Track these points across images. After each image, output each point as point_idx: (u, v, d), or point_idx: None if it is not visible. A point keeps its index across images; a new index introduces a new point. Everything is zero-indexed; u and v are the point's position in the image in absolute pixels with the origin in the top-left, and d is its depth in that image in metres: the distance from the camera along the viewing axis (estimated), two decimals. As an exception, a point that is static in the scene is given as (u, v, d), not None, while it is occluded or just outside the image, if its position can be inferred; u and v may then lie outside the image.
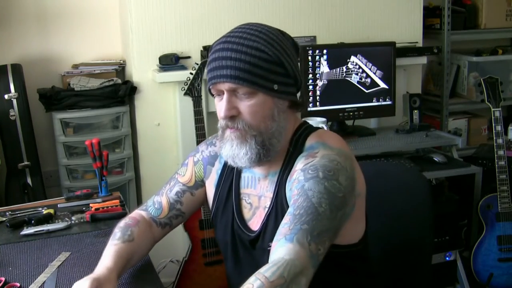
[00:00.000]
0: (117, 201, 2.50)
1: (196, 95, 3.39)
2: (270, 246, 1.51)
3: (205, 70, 1.71)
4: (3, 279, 1.82)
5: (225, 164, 1.80)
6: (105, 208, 2.43)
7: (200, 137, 3.38)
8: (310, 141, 1.68)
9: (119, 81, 3.71)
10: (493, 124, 3.52)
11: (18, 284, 1.80)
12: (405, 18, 4.13)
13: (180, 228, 3.54)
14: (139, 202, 3.82)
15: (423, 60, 4.14)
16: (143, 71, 3.67)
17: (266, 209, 1.70)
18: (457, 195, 3.67)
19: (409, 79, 4.25)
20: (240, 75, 1.57)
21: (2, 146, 3.55)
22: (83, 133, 3.62)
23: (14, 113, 3.44)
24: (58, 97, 3.53)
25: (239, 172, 1.80)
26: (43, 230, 2.21)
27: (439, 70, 4.39)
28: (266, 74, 1.58)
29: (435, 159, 3.63)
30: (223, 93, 1.63)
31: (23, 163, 3.51)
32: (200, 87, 3.40)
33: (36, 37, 3.82)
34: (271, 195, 1.70)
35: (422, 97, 4.07)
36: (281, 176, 1.69)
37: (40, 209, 2.44)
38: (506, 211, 3.51)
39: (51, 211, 2.39)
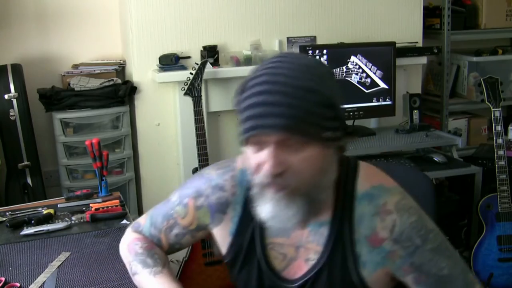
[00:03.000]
0: (117, 201, 2.50)
1: (196, 95, 3.39)
2: None
3: (241, 116, 1.36)
4: (3, 279, 1.82)
5: (244, 211, 1.55)
6: (105, 208, 2.43)
7: (200, 137, 3.38)
8: (363, 187, 1.46)
9: (119, 81, 3.71)
10: (493, 124, 3.52)
11: (18, 284, 1.80)
12: (405, 18, 4.13)
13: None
14: (139, 202, 3.82)
15: (423, 60, 4.14)
16: (143, 71, 3.67)
17: (310, 261, 1.49)
18: (457, 195, 3.67)
19: (409, 79, 4.25)
20: (293, 124, 1.28)
21: (2, 146, 3.55)
22: (83, 133, 3.62)
23: (14, 113, 3.44)
24: (58, 97, 3.53)
25: (263, 224, 1.50)
26: (43, 230, 2.21)
27: (439, 70, 4.39)
28: (319, 121, 1.32)
29: (435, 159, 3.63)
30: (265, 145, 1.33)
31: (23, 163, 3.51)
32: (200, 87, 3.40)
33: (36, 37, 3.82)
34: (320, 249, 1.47)
35: (422, 97, 4.07)
36: (336, 229, 1.46)
37: (40, 209, 2.44)
38: (506, 211, 3.51)
39: (51, 211, 2.39)
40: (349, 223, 1.44)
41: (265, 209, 1.40)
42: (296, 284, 1.51)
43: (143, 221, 1.73)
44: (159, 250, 1.67)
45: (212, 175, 1.64)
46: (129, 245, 1.69)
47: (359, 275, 1.44)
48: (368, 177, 1.49)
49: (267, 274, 1.54)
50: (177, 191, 1.69)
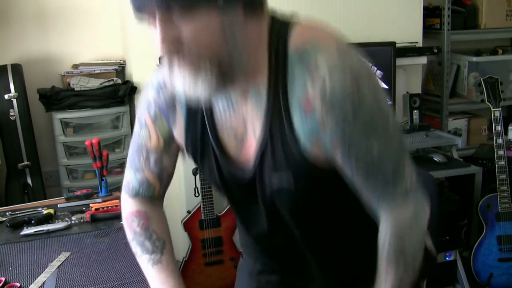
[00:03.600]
0: (117, 201, 2.49)
1: (196, 95, 3.39)
2: (271, 186, 1.37)
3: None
4: (3, 279, 1.83)
5: (187, 101, 1.44)
6: (105, 208, 2.44)
7: (200, 137, 3.38)
8: (295, 44, 1.30)
9: (119, 81, 3.71)
10: (493, 124, 3.52)
11: (18, 284, 1.80)
12: (405, 18, 4.12)
13: (180, 228, 3.54)
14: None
15: (423, 60, 4.13)
16: (143, 71, 3.67)
17: (257, 136, 1.35)
18: (457, 195, 3.67)
19: (409, 79, 4.25)
20: None
21: (2, 146, 3.55)
22: (83, 133, 3.62)
23: (14, 113, 3.45)
24: (58, 97, 3.53)
25: (208, 104, 1.41)
26: (43, 230, 2.22)
27: (439, 70, 4.38)
28: None
29: (435, 159, 3.63)
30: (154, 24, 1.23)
31: (23, 163, 3.51)
32: (200, 87, 3.40)
33: (36, 37, 3.82)
34: (262, 119, 1.33)
35: (422, 97, 4.06)
36: (273, 94, 1.31)
37: (40, 209, 2.45)
38: (506, 211, 3.51)
39: (51, 211, 2.39)
40: (283, 86, 1.29)
41: (177, 85, 1.29)
42: (249, 170, 1.39)
43: (128, 175, 1.63)
44: (156, 226, 1.63)
45: (151, 81, 1.57)
46: (127, 220, 1.64)
47: (298, 148, 1.30)
48: (302, 34, 1.32)
49: (223, 162, 1.43)
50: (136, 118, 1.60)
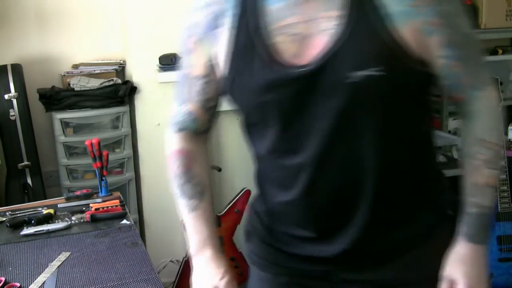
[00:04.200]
0: (117, 201, 2.50)
1: (196, 95, 3.39)
2: (352, 77, 1.25)
3: None
4: (3, 279, 1.83)
5: (239, 7, 1.40)
6: (105, 208, 2.44)
7: (200, 137, 3.38)
8: None
9: (119, 81, 3.70)
10: (493, 124, 3.52)
11: (18, 284, 1.80)
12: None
13: (180, 228, 3.54)
14: (139, 202, 3.82)
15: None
16: (143, 71, 3.67)
17: (328, 31, 1.28)
18: (457, 195, 3.67)
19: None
20: None
21: (2, 146, 3.55)
22: (83, 133, 3.62)
23: (14, 113, 3.44)
24: (58, 97, 3.53)
25: (261, 7, 1.36)
26: (43, 230, 2.22)
27: (439, 70, 4.38)
28: None
29: (435, 159, 3.63)
30: None
31: (23, 163, 3.51)
32: (200, 87, 3.40)
33: (36, 37, 3.82)
34: (335, 14, 1.28)
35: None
36: None
37: (40, 209, 2.45)
38: (506, 211, 3.51)
39: (51, 211, 2.40)
40: None
41: None
42: (316, 64, 1.29)
43: (173, 109, 1.61)
44: (198, 169, 1.59)
45: (195, 3, 1.57)
46: (170, 159, 1.62)
47: (387, 31, 1.25)
48: None
49: (275, 67, 1.32)
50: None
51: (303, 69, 1.29)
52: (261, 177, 1.56)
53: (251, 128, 1.49)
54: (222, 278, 1.49)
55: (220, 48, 1.42)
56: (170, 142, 1.63)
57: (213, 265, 1.53)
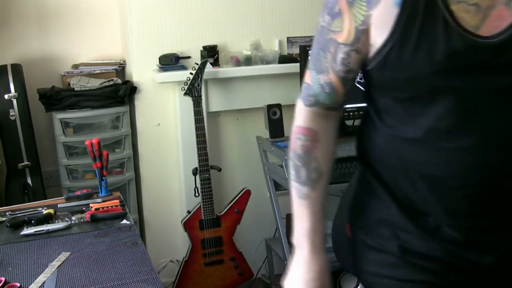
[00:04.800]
0: (117, 201, 2.50)
1: (196, 95, 3.39)
2: None
3: None
4: (3, 279, 1.83)
5: None
6: (105, 208, 2.44)
7: (200, 137, 3.38)
8: None
9: (119, 81, 3.70)
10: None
11: (18, 284, 1.80)
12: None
13: (180, 228, 3.54)
14: (139, 202, 3.82)
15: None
16: (143, 71, 3.67)
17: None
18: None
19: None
20: None
21: (2, 146, 3.55)
22: (83, 133, 3.62)
23: (14, 113, 3.44)
24: (58, 97, 3.53)
25: None
26: (43, 230, 2.22)
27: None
28: None
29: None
30: None
31: (23, 163, 3.51)
32: (200, 87, 3.40)
33: (36, 37, 3.82)
34: None
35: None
36: None
37: (40, 209, 2.45)
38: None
39: (51, 211, 2.40)
40: None
41: None
42: (502, 37, 1.19)
43: (308, 79, 1.47)
44: (320, 153, 1.47)
45: None
46: (293, 135, 1.50)
47: None
48: None
49: (458, 34, 1.20)
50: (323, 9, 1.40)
51: (489, 40, 1.19)
52: (394, 171, 1.40)
53: (404, 104, 1.32)
54: (311, 284, 1.45)
55: (380, 13, 1.27)
56: (298, 116, 1.50)
57: (306, 267, 1.47)
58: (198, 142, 3.39)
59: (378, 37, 1.28)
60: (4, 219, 2.35)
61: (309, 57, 1.50)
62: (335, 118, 1.51)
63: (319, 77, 1.42)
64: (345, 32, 1.33)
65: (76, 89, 3.58)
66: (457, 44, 1.19)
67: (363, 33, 1.31)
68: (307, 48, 3.54)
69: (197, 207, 3.48)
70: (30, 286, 1.78)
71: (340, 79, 1.40)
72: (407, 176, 1.36)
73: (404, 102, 1.32)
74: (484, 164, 1.24)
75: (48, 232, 2.22)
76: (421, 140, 1.29)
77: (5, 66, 3.50)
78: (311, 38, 3.89)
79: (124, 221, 2.32)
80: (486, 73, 1.20)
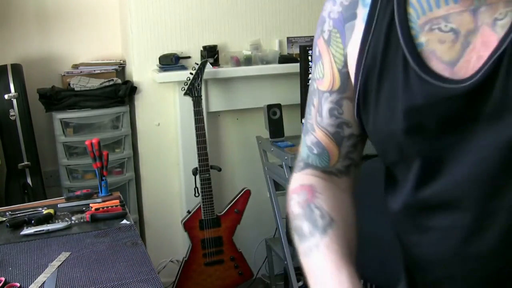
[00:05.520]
0: (117, 201, 2.50)
1: (196, 95, 3.39)
2: None
3: None
4: (3, 279, 1.82)
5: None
6: (105, 208, 2.43)
7: (200, 137, 3.38)
8: None
9: (119, 81, 3.71)
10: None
11: (18, 284, 1.80)
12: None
13: (180, 228, 3.54)
14: (139, 202, 3.82)
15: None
16: (143, 71, 3.67)
17: (502, 23, 0.89)
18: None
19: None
20: None
21: (2, 146, 3.55)
22: (83, 133, 3.62)
23: (14, 113, 3.44)
24: (58, 97, 3.53)
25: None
26: (43, 230, 2.21)
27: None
28: None
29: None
30: None
31: (23, 163, 3.51)
32: (200, 87, 3.40)
33: (36, 37, 3.82)
34: None
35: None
36: None
37: (40, 209, 2.44)
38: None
39: (51, 211, 2.39)
40: None
41: None
42: (482, 77, 0.89)
43: (300, 146, 1.24)
44: (324, 201, 1.13)
45: None
46: (287, 204, 1.19)
47: None
48: None
49: (419, 80, 0.95)
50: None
51: (465, 84, 0.91)
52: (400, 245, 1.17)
53: (390, 171, 1.13)
54: None
55: (352, 49, 1.07)
56: (289, 186, 1.23)
57: None
58: (198, 142, 3.39)
59: (354, 79, 1.07)
60: (4, 219, 2.35)
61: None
62: (342, 186, 1.20)
63: (306, 139, 1.21)
64: (327, 77, 1.13)
65: (76, 89, 3.58)
66: (417, 95, 0.95)
67: (347, 76, 1.10)
68: (307, 48, 3.54)
69: (197, 207, 3.48)
70: (30, 286, 1.78)
71: (331, 136, 1.16)
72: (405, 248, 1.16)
73: (387, 168, 1.15)
74: (476, 245, 0.97)
75: (48, 232, 2.22)
76: (400, 215, 1.09)
77: (5, 66, 3.50)
78: (311, 38, 3.90)
79: (124, 221, 2.31)
80: (467, 126, 0.93)
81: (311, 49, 3.59)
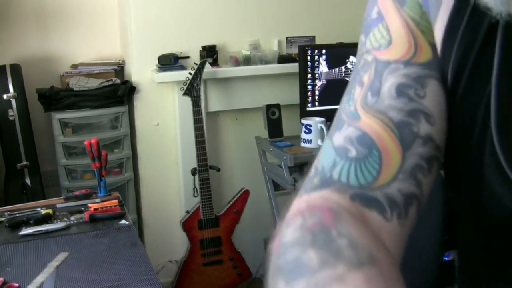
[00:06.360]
0: (116, 201, 2.50)
1: (195, 95, 3.39)
2: None
3: None
4: (2, 279, 1.82)
5: None
6: (104, 208, 2.43)
7: (199, 137, 3.38)
8: None
9: (118, 81, 3.70)
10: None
11: (17, 284, 1.80)
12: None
13: (178, 228, 3.54)
14: (138, 202, 3.82)
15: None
16: (142, 71, 3.67)
17: None
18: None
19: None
20: None
21: (1, 146, 3.55)
22: (82, 133, 3.62)
23: (13, 113, 3.44)
24: (57, 97, 3.53)
25: None
26: (41, 230, 2.22)
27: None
28: None
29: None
30: None
31: (22, 163, 3.51)
32: (199, 87, 3.40)
33: (35, 37, 3.82)
34: None
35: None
36: None
37: (39, 209, 2.44)
38: (505, 211, 3.51)
39: (50, 211, 2.39)
40: None
41: None
42: None
43: (319, 156, 0.78)
44: (350, 226, 0.66)
45: None
46: (276, 235, 0.72)
47: None
48: None
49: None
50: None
51: None
52: None
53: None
54: None
55: (437, 31, 0.74)
56: (288, 211, 0.75)
57: None
58: (197, 142, 3.39)
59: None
60: (3, 219, 2.35)
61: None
62: (385, 236, 0.70)
63: (334, 138, 0.76)
64: (398, 42, 0.75)
65: (75, 89, 3.58)
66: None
67: (437, 52, 0.75)
68: (306, 48, 3.54)
69: (196, 207, 3.48)
70: (29, 286, 1.78)
71: (393, 126, 0.71)
72: None
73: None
74: None
75: (47, 232, 2.22)
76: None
77: (4, 66, 3.50)
78: (309, 38, 3.90)
79: (123, 221, 2.32)
80: None
81: (310, 49, 3.61)
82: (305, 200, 0.73)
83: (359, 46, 0.80)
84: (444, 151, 0.74)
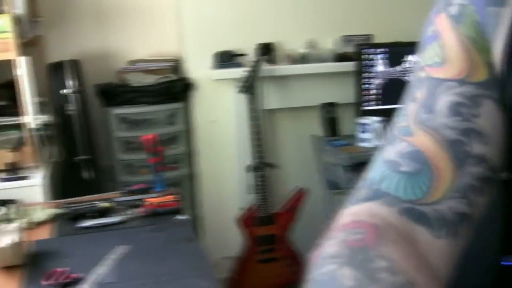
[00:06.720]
0: (173, 196, 2.51)
1: (251, 92, 3.39)
2: None
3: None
4: (68, 269, 1.85)
5: None
6: (161, 203, 2.45)
7: (255, 134, 3.38)
8: None
9: (175, 77, 3.73)
10: None
11: (81, 275, 1.82)
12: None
13: (235, 225, 3.55)
14: (193, 199, 3.84)
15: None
16: (198, 68, 3.69)
17: None
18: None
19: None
20: None
21: (60, 141, 3.60)
22: (138, 128, 3.65)
23: (72, 108, 3.49)
24: (114, 93, 3.57)
25: None
26: (100, 223, 2.24)
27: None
28: None
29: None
30: None
31: (80, 157, 3.56)
32: (256, 85, 3.40)
33: (94, 33, 3.87)
34: None
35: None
36: None
37: (97, 202, 2.47)
38: None
39: (108, 205, 2.42)
40: None
41: None
42: None
43: (370, 169, 0.77)
44: (392, 250, 0.65)
45: None
46: (321, 246, 0.70)
47: None
48: None
49: None
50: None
51: None
52: None
53: None
54: None
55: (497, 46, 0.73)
56: (336, 222, 0.74)
57: None
58: (252, 140, 3.40)
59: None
60: (62, 211, 2.38)
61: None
62: (433, 256, 0.69)
63: (386, 153, 0.76)
64: (452, 61, 0.74)
65: (132, 85, 3.61)
66: None
67: (495, 70, 0.73)
68: (363, 46, 3.51)
69: (252, 204, 3.49)
70: (91, 276, 1.80)
71: (446, 144, 0.71)
72: None
73: None
74: None
75: (105, 225, 2.25)
76: None
77: (64, 62, 3.55)
78: (366, 37, 3.87)
79: (180, 217, 2.33)
80: None
81: (367, 48, 3.58)
82: (351, 213, 0.73)
83: (415, 64, 0.82)
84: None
